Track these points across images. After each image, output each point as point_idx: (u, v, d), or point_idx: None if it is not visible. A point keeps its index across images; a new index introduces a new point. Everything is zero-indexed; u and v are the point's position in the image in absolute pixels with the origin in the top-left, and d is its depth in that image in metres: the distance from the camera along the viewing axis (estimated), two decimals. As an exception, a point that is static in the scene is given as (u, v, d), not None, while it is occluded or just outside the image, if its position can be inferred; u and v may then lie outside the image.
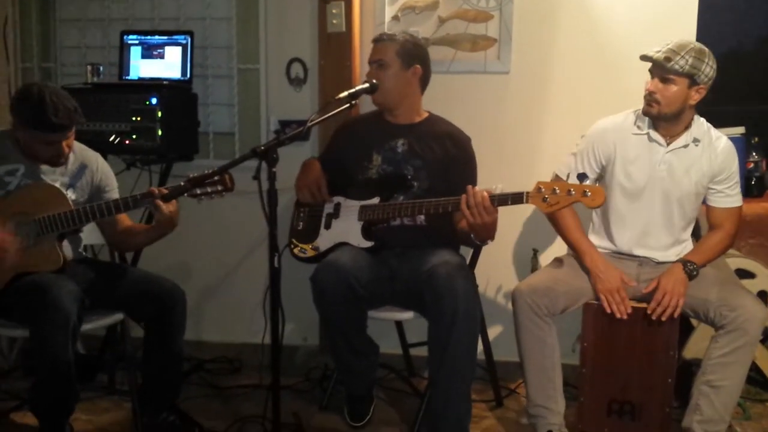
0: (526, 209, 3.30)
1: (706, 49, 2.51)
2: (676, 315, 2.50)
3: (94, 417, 2.89)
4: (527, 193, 2.31)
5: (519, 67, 3.27)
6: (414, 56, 2.76)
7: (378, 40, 2.78)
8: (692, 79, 2.48)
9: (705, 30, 3.16)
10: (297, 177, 2.84)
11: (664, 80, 2.51)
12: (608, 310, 2.53)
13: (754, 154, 3.27)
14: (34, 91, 2.43)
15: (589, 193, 2.24)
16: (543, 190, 2.28)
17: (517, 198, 2.34)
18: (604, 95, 2.97)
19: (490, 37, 3.27)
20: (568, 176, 2.28)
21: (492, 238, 2.54)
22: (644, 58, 2.55)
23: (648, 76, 2.56)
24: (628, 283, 2.55)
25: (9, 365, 3.34)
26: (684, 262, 2.54)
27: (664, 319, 2.50)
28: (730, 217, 2.62)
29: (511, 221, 3.26)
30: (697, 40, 3.04)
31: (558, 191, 2.26)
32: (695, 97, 2.52)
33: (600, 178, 2.69)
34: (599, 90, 3.11)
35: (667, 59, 2.47)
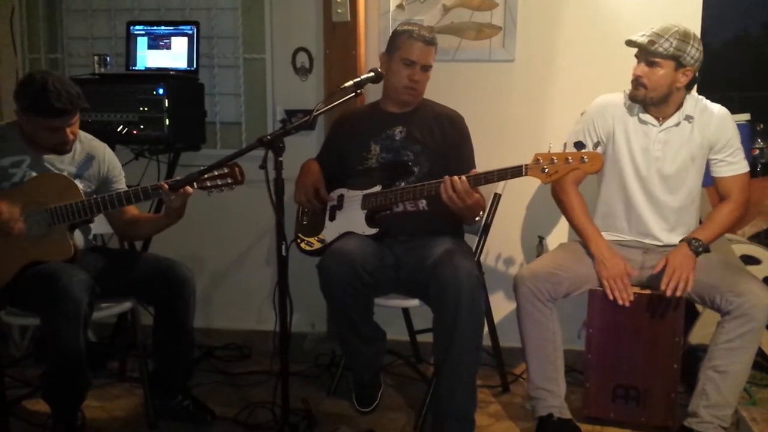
0: (533, 195, 3.32)
1: (692, 31, 2.52)
2: (689, 288, 2.50)
3: (106, 404, 2.93)
4: (526, 165, 2.33)
5: (524, 56, 3.28)
6: None
7: (429, 42, 2.71)
8: (678, 62, 2.49)
9: (711, 17, 3.16)
10: (296, 180, 2.85)
11: (650, 64, 2.52)
12: (611, 297, 2.55)
13: (759, 140, 3.27)
14: (36, 77, 2.45)
15: (587, 159, 2.27)
16: (541, 161, 2.30)
17: (516, 171, 2.36)
18: (609, 83, 2.96)
19: (494, 25, 3.27)
20: (565, 146, 2.29)
21: (477, 215, 2.60)
22: (629, 43, 2.56)
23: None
24: (631, 272, 2.56)
25: (21, 353, 3.38)
26: (689, 239, 2.55)
27: (678, 294, 2.49)
28: (737, 185, 2.61)
29: (517, 207, 3.28)
30: (703, 27, 3.06)
31: (556, 161, 2.29)
32: (682, 79, 2.53)
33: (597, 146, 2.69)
34: (604, 78, 3.11)
35: (651, 42, 2.49)
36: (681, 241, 2.58)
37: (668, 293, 2.50)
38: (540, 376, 2.60)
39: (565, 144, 2.31)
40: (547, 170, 2.29)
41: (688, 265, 2.50)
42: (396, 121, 2.83)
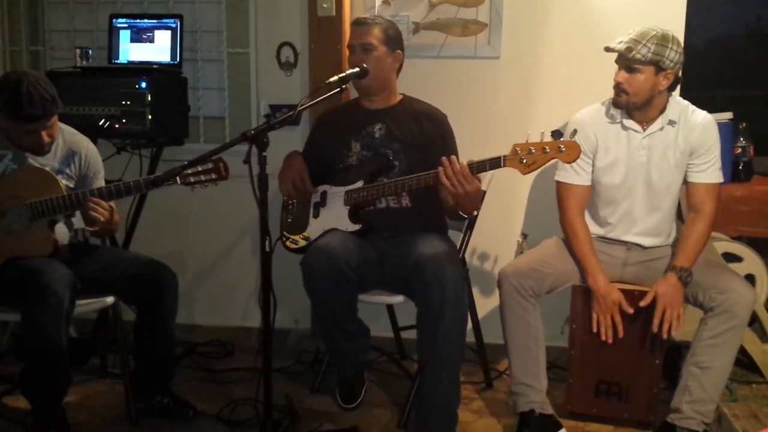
0: (517, 192, 3.32)
1: (670, 33, 2.51)
2: (680, 325, 2.51)
3: (87, 400, 2.91)
4: (504, 156, 2.33)
5: (509, 52, 3.28)
6: (396, 41, 2.78)
7: (361, 23, 2.75)
8: (657, 66, 2.49)
9: (695, 16, 3.17)
10: (280, 171, 2.84)
11: (630, 70, 2.51)
12: (594, 330, 2.57)
13: (741, 139, 3.28)
14: (11, 80, 2.41)
15: (564, 148, 2.27)
16: (519, 152, 2.30)
17: (495, 162, 2.36)
18: (595, 80, 2.97)
19: (480, 21, 3.27)
20: (542, 135, 2.30)
21: (477, 208, 2.55)
22: (608, 50, 2.55)
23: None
24: (626, 310, 2.55)
25: (1, 349, 3.35)
26: (677, 270, 2.52)
27: (674, 332, 2.51)
28: (709, 195, 2.59)
29: (502, 204, 3.27)
30: (687, 26, 3.07)
31: (534, 151, 2.29)
32: (663, 83, 2.52)
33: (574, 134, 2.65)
34: (590, 75, 3.12)
35: (629, 49, 2.48)
36: (668, 270, 2.55)
37: (664, 335, 2.51)
38: (522, 372, 2.61)
39: (542, 133, 2.31)
40: (525, 161, 2.30)
41: (678, 299, 2.50)
42: (375, 118, 2.81)
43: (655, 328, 2.52)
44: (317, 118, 3.00)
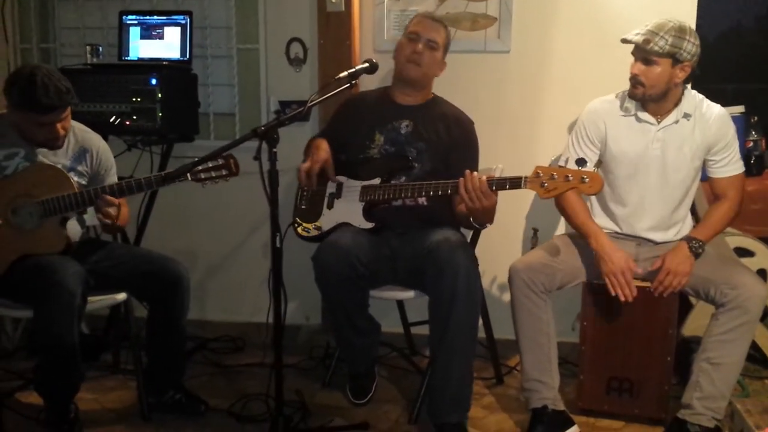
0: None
1: (687, 26, 2.49)
2: (677, 289, 2.52)
3: (100, 396, 2.92)
4: (525, 177, 2.30)
5: (519, 47, 3.26)
6: (447, 52, 2.86)
7: (435, 19, 2.83)
8: (675, 58, 2.47)
9: (705, 9, 3.15)
10: (305, 153, 2.84)
11: (647, 62, 2.50)
12: (613, 292, 2.53)
13: (753, 132, 3.27)
14: (25, 72, 2.41)
15: (587, 179, 2.23)
16: (541, 175, 2.27)
17: (515, 183, 2.33)
18: (605, 74, 2.96)
19: (490, 15, 3.26)
20: (567, 161, 2.28)
21: (491, 221, 2.54)
22: (625, 41, 2.54)
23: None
24: (634, 268, 2.53)
25: (13, 345, 3.37)
26: (689, 239, 2.53)
27: (665, 295, 2.52)
28: (733, 185, 2.61)
29: (513, 201, 3.26)
30: (698, 19, 3.04)
31: (556, 177, 2.26)
32: (680, 75, 2.51)
33: (601, 157, 2.68)
34: (600, 69, 3.11)
35: (646, 41, 2.46)
36: (681, 239, 2.56)
37: (655, 294, 2.52)
38: (534, 368, 2.60)
39: (566, 159, 2.29)
40: (546, 185, 2.26)
41: (684, 269, 2.49)
42: (403, 113, 2.81)
43: (652, 289, 2.52)
44: (344, 101, 2.95)
